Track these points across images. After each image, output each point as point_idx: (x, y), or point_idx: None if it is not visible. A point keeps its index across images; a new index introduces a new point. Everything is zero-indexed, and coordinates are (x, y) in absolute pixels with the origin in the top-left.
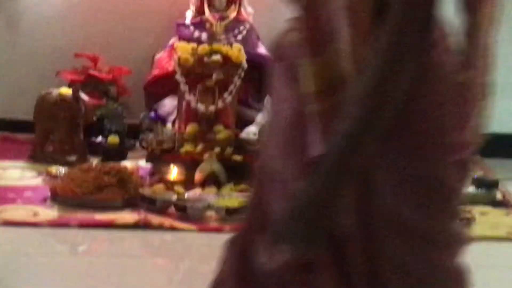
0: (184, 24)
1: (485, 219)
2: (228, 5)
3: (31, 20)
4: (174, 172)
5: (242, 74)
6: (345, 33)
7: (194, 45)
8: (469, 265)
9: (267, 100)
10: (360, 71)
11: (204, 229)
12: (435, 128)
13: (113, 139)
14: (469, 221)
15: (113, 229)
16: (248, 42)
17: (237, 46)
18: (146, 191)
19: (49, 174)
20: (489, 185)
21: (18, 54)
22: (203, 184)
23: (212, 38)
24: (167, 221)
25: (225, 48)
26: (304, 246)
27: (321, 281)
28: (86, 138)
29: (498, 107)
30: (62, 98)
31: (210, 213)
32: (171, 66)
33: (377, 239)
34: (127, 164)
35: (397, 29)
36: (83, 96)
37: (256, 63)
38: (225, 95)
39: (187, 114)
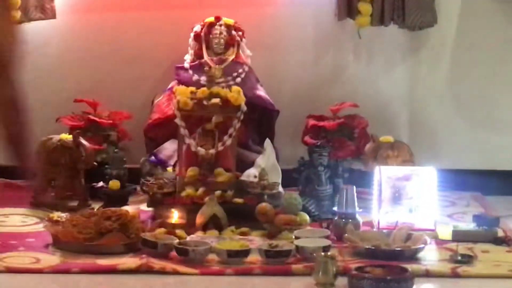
0: (183, 68)
1: (486, 257)
2: (226, 48)
3: (30, 67)
4: (175, 216)
5: (242, 116)
6: None
7: (193, 88)
8: None
9: (267, 142)
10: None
11: (206, 273)
12: None
13: (114, 184)
14: (470, 259)
15: (115, 274)
16: (247, 85)
17: (236, 88)
18: (147, 235)
19: (50, 220)
20: (490, 222)
21: None
22: (205, 227)
23: (210, 81)
24: (169, 265)
25: (224, 91)
26: None
27: None
28: (87, 183)
29: (497, 144)
30: (62, 144)
31: (212, 256)
32: (170, 110)
33: None
34: (129, 208)
35: None
36: (84, 142)
37: (255, 106)
38: (225, 138)
39: (188, 158)
